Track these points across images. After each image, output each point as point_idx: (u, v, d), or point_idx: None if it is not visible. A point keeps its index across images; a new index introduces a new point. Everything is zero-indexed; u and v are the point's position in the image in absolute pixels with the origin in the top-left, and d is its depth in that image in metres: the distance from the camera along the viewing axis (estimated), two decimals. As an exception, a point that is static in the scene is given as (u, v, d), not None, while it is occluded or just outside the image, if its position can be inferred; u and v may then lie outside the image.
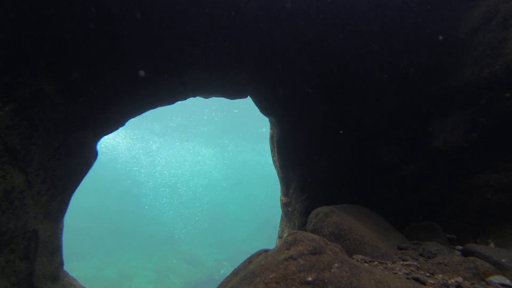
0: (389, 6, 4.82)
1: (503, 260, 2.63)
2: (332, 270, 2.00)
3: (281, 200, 7.62)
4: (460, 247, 3.26)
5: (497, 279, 2.38)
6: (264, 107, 6.90)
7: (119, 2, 4.37)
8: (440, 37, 4.52)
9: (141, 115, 6.12)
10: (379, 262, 2.79)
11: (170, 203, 50.72)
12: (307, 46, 5.46)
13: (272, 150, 8.17)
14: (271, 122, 7.64)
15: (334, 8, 5.02)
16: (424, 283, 2.27)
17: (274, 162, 8.13)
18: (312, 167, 6.25)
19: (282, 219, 7.78)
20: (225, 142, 36.04)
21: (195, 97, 6.73)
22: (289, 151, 6.77)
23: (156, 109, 6.38)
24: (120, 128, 5.91)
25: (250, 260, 2.91)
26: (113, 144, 36.31)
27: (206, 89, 6.47)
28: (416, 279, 2.30)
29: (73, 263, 24.88)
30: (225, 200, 53.17)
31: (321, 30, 5.25)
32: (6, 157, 3.63)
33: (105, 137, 7.00)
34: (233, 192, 54.20)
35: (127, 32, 4.68)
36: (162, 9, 4.67)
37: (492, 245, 3.69)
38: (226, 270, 25.09)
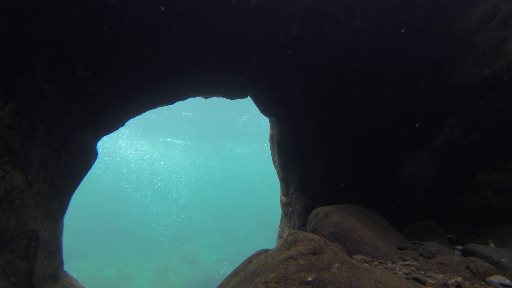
0: (388, 5, 4.82)
1: (503, 260, 2.63)
2: (332, 270, 2.00)
3: (281, 200, 7.62)
4: (460, 247, 3.26)
5: (497, 279, 2.38)
6: (264, 107, 6.91)
7: (121, 2, 4.37)
8: (440, 37, 4.52)
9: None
10: (379, 262, 2.78)
11: (161, 204, 50.53)
12: (307, 47, 5.46)
13: (272, 150, 8.17)
14: (271, 122, 7.64)
15: (333, 9, 5.02)
16: (424, 283, 2.27)
17: (274, 162, 8.13)
18: (312, 167, 6.25)
19: (282, 219, 7.78)
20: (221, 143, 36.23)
21: (195, 97, 6.74)
22: (289, 151, 6.77)
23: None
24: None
25: (250, 260, 2.91)
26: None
27: (207, 89, 6.47)
28: (416, 279, 2.30)
29: (73, 263, 24.87)
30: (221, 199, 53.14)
31: (321, 32, 5.25)
32: (6, 157, 3.64)
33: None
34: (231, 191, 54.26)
35: (129, 33, 4.68)
36: (165, 13, 4.67)
37: (492, 245, 3.69)
38: (226, 270, 25.09)
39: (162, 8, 4.60)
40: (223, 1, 4.82)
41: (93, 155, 5.57)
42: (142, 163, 44.19)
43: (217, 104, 21.37)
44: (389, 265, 2.74)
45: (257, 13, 5.08)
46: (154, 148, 38.05)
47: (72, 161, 4.92)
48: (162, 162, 44.31)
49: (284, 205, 7.39)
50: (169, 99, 6.13)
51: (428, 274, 2.56)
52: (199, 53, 5.41)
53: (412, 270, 2.63)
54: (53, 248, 4.83)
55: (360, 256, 2.90)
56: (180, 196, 53.30)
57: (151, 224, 41.52)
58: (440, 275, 2.52)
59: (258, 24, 5.24)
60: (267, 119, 7.66)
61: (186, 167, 47.08)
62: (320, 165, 6.10)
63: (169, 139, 35.00)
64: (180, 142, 36.13)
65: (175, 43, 5.11)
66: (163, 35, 4.95)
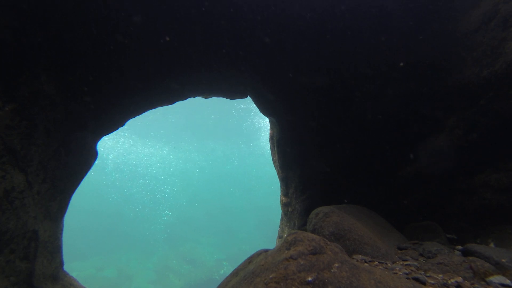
0: (389, 6, 4.82)
1: (503, 260, 2.63)
2: (332, 270, 2.00)
3: (281, 200, 7.62)
4: (460, 247, 3.26)
5: (497, 279, 2.38)
6: (264, 107, 6.91)
7: (121, 2, 4.37)
8: (440, 38, 4.52)
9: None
10: (379, 262, 2.78)
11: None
12: (307, 48, 5.46)
13: (272, 150, 8.17)
14: (271, 122, 7.64)
15: (332, 10, 5.02)
16: (424, 283, 2.27)
17: (274, 162, 8.13)
18: (312, 167, 6.25)
19: (282, 219, 7.78)
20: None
21: (195, 97, 6.74)
22: (289, 151, 6.77)
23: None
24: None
25: (250, 260, 2.91)
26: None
27: (206, 89, 6.47)
28: (416, 279, 2.30)
29: (73, 263, 24.87)
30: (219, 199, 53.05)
31: (321, 34, 5.25)
32: (6, 157, 3.64)
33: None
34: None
35: (130, 33, 4.68)
36: (165, 14, 4.67)
37: (492, 245, 3.69)
38: (226, 270, 25.09)
39: (163, 13, 4.60)
40: (223, 6, 4.82)
41: (93, 155, 5.57)
42: (127, 161, 43.89)
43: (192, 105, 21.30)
44: (389, 265, 2.74)
45: (256, 17, 5.08)
46: (142, 148, 38.05)
47: (72, 161, 4.92)
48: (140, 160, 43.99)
49: (284, 205, 7.39)
50: (169, 99, 6.13)
51: (428, 274, 2.56)
52: (200, 54, 5.41)
53: (412, 270, 2.63)
54: (53, 248, 4.83)
55: (360, 256, 2.90)
56: (176, 195, 53.23)
57: (150, 226, 41.46)
58: (440, 275, 2.52)
59: (257, 26, 5.24)
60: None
61: (180, 166, 47.10)
62: (320, 165, 6.10)
63: (155, 140, 35.35)
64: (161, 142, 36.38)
65: (175, 44, 5.11)
66: (164, 37, 4.95)
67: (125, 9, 4.47)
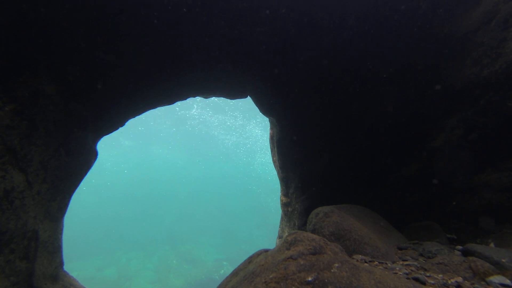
0: (389, 7, 4.82)
1: (503, 260, 2.63)
2: (332, 270, 2.00)
3: (281, 200, 7.62)
4: (460, 247, 3.26)
5: (497, 279, 2.38)
6: (264, 107, 6.90)
7: (121, 2, 4.36)
8: (440, 38, 4.52)
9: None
10: (379, 262, 2.78)
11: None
12: (306, 49, 5.46)
13: (272, 150, 8.17)
14: (271, 122, 7.64)
15: (331, 12, 5.02)
16: (424, 283, 2.27)
17: (274, 162, 8.13)
18: (312, 167, 6.25)
19: (282, 219, 7.78)
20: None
21: (195, 97, 6.74)
22: (289, 151, 6.77)
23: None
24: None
25: (250, 260, 2.91)
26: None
27: (206, 89, 6.47)
28: (416, 279, 2.30)
29: (73, 263, 24.87)
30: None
31: (320, 36, 5.25)
32: (6, 157, 3.64)
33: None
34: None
35: (129, 33, 4.68)
36: (165, 13, 4.67)
37: (492, 245, 3.69)
38: (226, 270, 25.10)
39: (163, 12, 4.60)
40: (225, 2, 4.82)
41: (93, 155, 5.57)
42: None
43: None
44: (389, 265, 2.74)
45: (256, 16, 5.08)
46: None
47: (72, 161, 4.92)
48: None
49: (284, 205, 7.39)
50: (169, 99, 6.14)
51: (428, 274, 2.56)
52: (200, 54, 5.40)
53: (412, 270, 2.63)
54: (53, 248, 4.83)
55: (360, 256, 2.90)
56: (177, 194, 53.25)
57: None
58: (440, 275, 2.52)
59: (257, 24, 5.23)
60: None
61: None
62: (320, 165, 6.10)
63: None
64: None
65: (175, 44, 5.10)
66: (164, 37, 4.94)
67: (125, 8, 4.46)
